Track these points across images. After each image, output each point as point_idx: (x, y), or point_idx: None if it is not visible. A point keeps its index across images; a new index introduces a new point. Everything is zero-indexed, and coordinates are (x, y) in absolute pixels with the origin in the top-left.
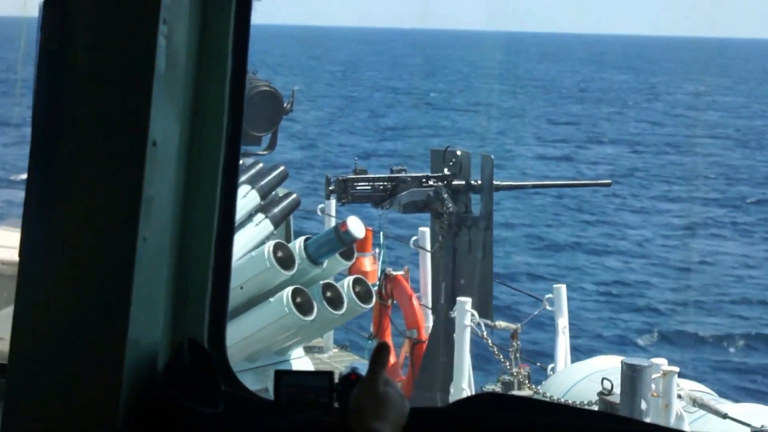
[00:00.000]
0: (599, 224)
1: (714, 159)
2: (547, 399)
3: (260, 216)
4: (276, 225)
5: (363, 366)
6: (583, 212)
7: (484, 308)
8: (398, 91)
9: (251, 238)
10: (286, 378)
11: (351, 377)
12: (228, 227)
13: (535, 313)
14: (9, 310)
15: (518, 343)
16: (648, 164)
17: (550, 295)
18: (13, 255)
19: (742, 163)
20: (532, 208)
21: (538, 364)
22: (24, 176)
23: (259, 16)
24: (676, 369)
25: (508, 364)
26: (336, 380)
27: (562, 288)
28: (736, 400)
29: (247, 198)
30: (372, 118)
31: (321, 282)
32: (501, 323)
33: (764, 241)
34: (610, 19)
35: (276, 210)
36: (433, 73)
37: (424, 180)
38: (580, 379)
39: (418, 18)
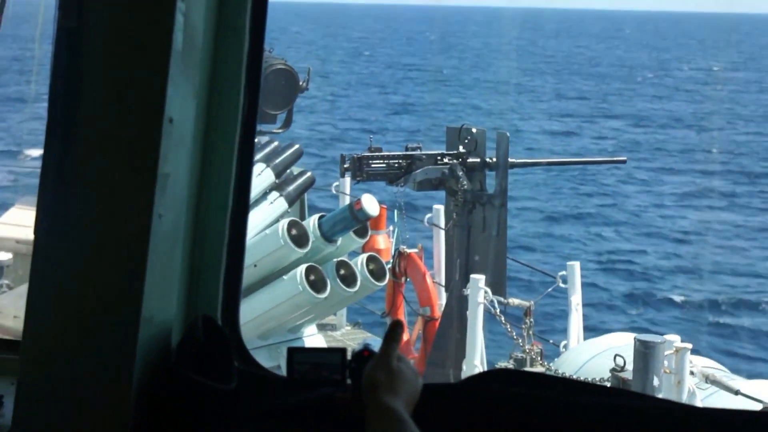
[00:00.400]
0: (598, 195)
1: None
2: (560, 375)
3: (275, 194)
4: (290, 203)
5: (375, 342)
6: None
7: (498, 286)
8: (410, 68)
9: (266, 216)
10: (298, 355)
11: (364, 353)
12: (243, 205)
13: (549, 290)
14: (25, 288)
15: (531, 320)
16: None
17: (563, 272)
18: (29, 234)
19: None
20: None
21: (551, 341)
22: (37, 152)
23: None
24: (689, 346)
25: (520, 341)
26: (348, 357)
27: (576, 265)
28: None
29: (262, 176)
30: (381, 95)
31: (335, 260)
32: (514, 300)
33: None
34: None
35: (290, 188)
36: (447, 50)
37: (439, 158)
38: (593, 356)
39: None
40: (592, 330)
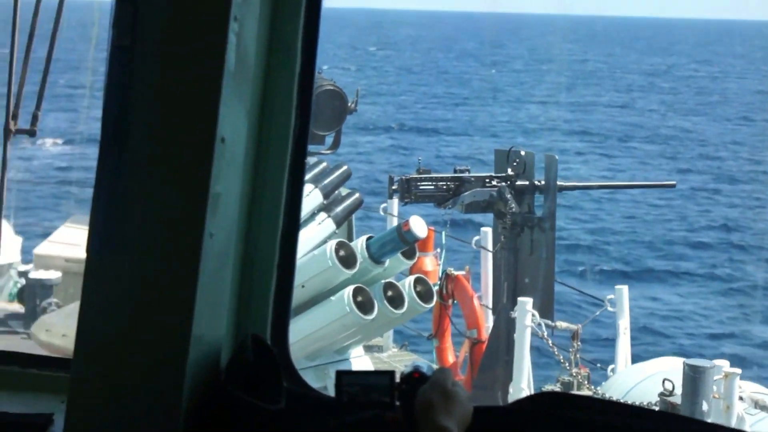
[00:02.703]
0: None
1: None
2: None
3: (323, 215)
4: (338, 224)
5: (423, 365)
6: None
7: (546, 308)
8: (442, 72)
9: (313, 237)
10: (347, 377)
11: (414, 375)
12: (293, 225)
13: (596, 313)
14: (74, 307)
15: (579, 343)
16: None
17: (611, 296)
18: (78, 252)
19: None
20: None
21: (598, 365)
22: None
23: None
24: (738, 371)
25: (567, 364)
26: (397, 379)
27: (624, 289)
28: None
29: (310, 197)
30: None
31: (382, 281)
32: (562, 323)
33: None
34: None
35: (338, 209)
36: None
37: (487, 180)
38: (641, 380)
39: (486, 2)
40: None
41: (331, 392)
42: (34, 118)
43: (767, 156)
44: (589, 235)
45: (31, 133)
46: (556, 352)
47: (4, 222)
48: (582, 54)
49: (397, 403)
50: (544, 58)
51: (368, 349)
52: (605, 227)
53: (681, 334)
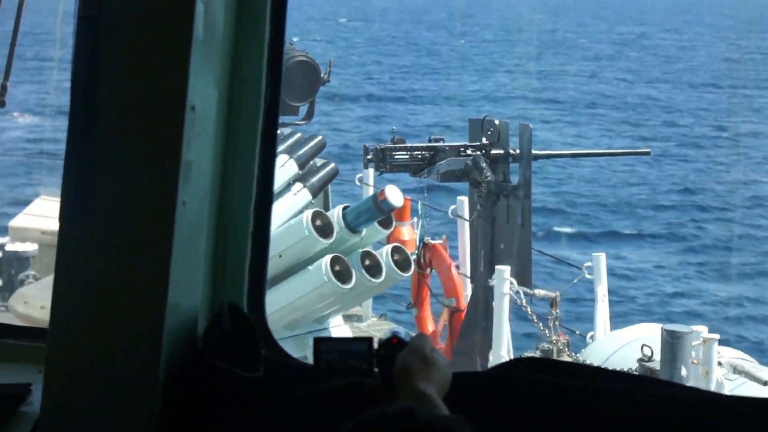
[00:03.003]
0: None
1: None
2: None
3: (298, 185)
4: (314, 194)
5: (402, 330)
6: None
7: (524, 276)
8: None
9: (290, 207)
10: (325, 344)
11: (392, 341)
12: (267, 193)
13: (574, 281)
14: (52, 279)
15: (557, 311)
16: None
17: (589, 263)
18: (54, 225)
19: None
20: None
21: (577, 332)
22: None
23: None
24: (717, 336)
25: (547, 332)
26: (375, 346)
27: (602, 256)
28: None
29: (285, 168)
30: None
31: (360, 250)
32: (540, 291)
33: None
34: None
35: (314, 179)
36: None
37: (462, 149)
38: (620, 346)
39: None
40: None
41: (311, 361)
42: (3, 89)
43: (730, 122)
44: (554, 197)
45: (0, 104)
46: (535, 320)
47: None
48: (552, 24)
49: (376, 370)
50: (513, 27)
51: (348, 318)
52: (569, 191)
53: (641, 294)
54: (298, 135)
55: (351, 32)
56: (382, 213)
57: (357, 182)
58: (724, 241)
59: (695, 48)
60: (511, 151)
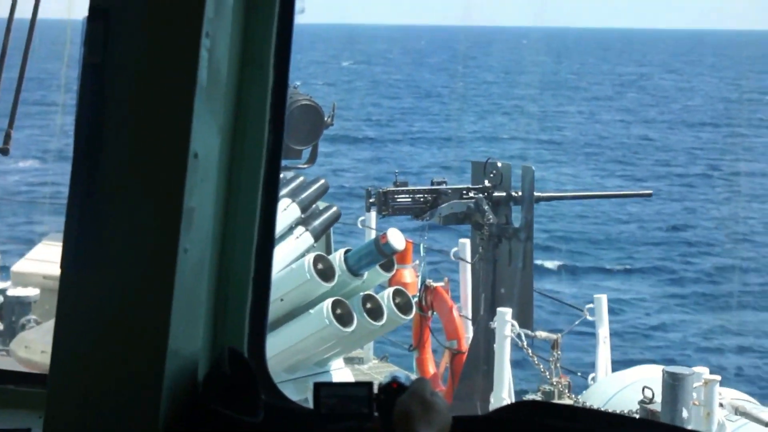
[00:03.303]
0: None
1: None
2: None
3: (301, 229)
4: (316, 238)
5: (402, 374)
6: None
7: (525, 318)
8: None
9: (292, 250)
10: (325, 389)
11: (392, 386)
12: (268, 238)
13: (576, 323)
14: (53, 323)
15: (559, 353)
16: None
17: (590, 305)
18: (56, 269)
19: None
20: None
21: (579, 373)
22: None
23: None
24: (718, 378)
25: (548, 374)
26: (375, 391)
27: (603, 298)
28: None
29: (287, 211)
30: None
31: (361, 293)
32: (541, 333)
33: None
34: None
35: (316, 223)
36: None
37: (464, 192)
38: (621, 388)
39: (461, 16)
40: None
41: (311, 404)
42: (7, 137)
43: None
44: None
45: (4, 152)
46: (536, 362)
47: None
48: (553, 65)
49: (376, 414)
50: (514, 69)
51: (349, 361)
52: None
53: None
54: (301, 179)
55: (353, 75)
56: (384, 256)
57: (359, 225)
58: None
59: (694, 89)
60: (513, 194)
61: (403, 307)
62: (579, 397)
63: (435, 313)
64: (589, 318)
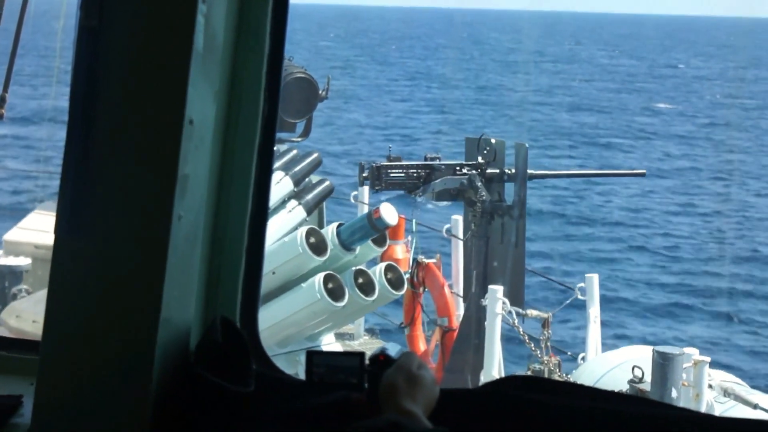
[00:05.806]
0: None
1: None
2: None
3: (293, 202)
4: (309, 211)
5: (391, 347)
6: None
7: (516, 296)
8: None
9: (284, 224)
10: (317, 358)
11: (379, 357)
12: (262, 207)
13: (567, 302)
14: (44, 293)
15: (549, 331)
16: None
17: (582, 284)
18: (48, 239)
19: None
20: None
21: (569, 353)
22: None
23: None
24: (708, 359)
25: (538, 352)
26: (367, 361)
27: (594, 277)
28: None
29: (280, 184)
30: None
31: (353, 268)
32: (532, 311)
33: None
34: None
35: (309, 196)
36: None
37: (458, 168)
38: (611, 368)
39: None
40: None
41: (303, 377)
42: (2, 101)
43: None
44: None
45: None
46: (527, 340)
47: None
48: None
49: (366, 385)
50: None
51: (339, 336)
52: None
53: None
54: (295, 152)
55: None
56: (376, 231)
57: (352, 200)
58: None
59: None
60: (506, 171)
61: (395, 282)
62: (569, 376)
63: (426, 289)
64: (581, 297)
